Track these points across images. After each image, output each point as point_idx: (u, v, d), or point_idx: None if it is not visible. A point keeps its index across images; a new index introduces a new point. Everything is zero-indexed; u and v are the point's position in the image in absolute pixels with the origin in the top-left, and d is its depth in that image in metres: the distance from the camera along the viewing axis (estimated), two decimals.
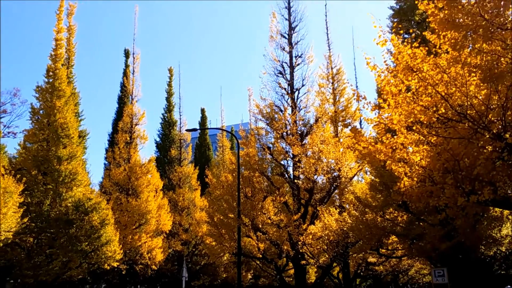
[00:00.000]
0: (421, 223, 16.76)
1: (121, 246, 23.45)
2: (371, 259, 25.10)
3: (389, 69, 9.05)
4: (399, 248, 20.21)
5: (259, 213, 22.08)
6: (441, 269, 16.88)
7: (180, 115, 41.95)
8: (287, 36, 25.67)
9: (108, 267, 22.95)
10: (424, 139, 9.05)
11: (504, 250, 18.10)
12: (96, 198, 22.29)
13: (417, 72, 8.40)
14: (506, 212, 16.50)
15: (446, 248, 16.40)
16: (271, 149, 23.74)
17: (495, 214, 16.99)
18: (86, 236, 21.10)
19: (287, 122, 23.85)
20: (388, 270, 28.25)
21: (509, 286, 13.12)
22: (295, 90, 25.03)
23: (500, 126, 7.97)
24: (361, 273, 28.31)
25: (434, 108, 8.51)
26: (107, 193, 28.71)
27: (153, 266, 29.03)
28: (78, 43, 34.82)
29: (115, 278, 29.30)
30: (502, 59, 7.35)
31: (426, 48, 8.75)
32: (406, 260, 24.97)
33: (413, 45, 8.94)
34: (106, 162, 34.21)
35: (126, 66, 39.50)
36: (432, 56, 8.64)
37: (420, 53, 8.51)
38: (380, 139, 9.87)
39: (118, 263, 23.28)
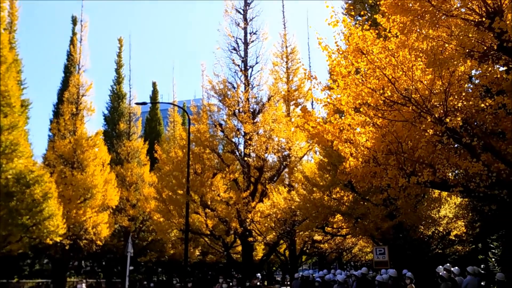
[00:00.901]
0: (365, 203, 17.26)
1: (64, 220, 22.79)
2: (317, 237, 25.78)
3: (340, 50, 9.11)
4: (344, 226, 20.81)
5: (209, 190, 22.07)
6: (382, 247, 17.53)
7: (130, 88, 40.78)
8: (242, 12, 25.40)
9: (51, 242, 22.27)
10: (370, 120, 9.22)
11: (441, 230, 18.97)
12: (38, 171, 21.42)
13: (366, 55, 8.50)
14: (444, 193, 17.24)
15: (387, 227, 17.03)
16: (223, 126, 23.66)
17: (435, 196, 17.75)
18: (28, 209, 20.31)
19: (239, 99, 23.78)
20: (333, 248, 29.15)
21: (440, 267, 13.77)
22: (248, 67, 24.94)
23: (442, 111, 8.22)
24: (307, 251, 29.05)
25: (381, 91, 8.66)
26: (51, 165, 27.69)
27: (98, 242, 28.47)
28: (22, 6, 32.99)
29: (57, 253, 28.54)
30: (447, 45, 7.53)
31: (376, 31, 8.85)
32: (350, 238, 25.83)
33: (364, 27, 9.01)
34: (51, 134, 32.92)
35: (74, 34, 37.69)
36: (381, 39, 8.76)
37: (370, 36, 8.59)
38: (328, 119, 9.98)
39: (61, 238, 22.64)
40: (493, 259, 19.76)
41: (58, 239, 22.14)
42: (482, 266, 17.34)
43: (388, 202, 16.21)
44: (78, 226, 27.05)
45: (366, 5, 20.41)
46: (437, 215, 18.18)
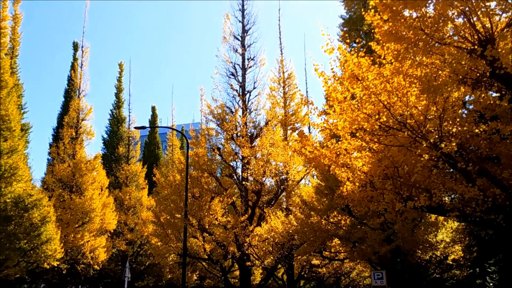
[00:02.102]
0: (362, 227, 17.29)
1: (62, 244, 22.68)
2: (315, 261, 25.63)
3: (335, 77, 9.33)
4: (342, 251, 20.76)
5: (206, 213, 22.06)
6: (380, 272, 17.46)
7: (130, 112, 41.14)
8: (240, 38, 25.82)
9: (48, 266, 22.16)
10: (366, 145, 9.38)
11: (439, 255, 18.96)
12: (37, 195, 21.44)
13: (361, 81, 8.71)
14: (440, 218, 17.30)
15: (385, 252, 17.02)
16: (221, 150, 23.79)
17: (432, 220, 17.81)
18: (25, 233, 20.25)
19: (237, 123, 23.99)
20: (330, 272, 28.93)
21: None
22: (246, 92, 25.22)
23: (436, 136, 8.39)
24: (305, 275, 28.82)
25: (377, 116, 8.85)
26: (50, 189, 27.69)
27: (96, 266, 28.27)
28: (24, 33, 33.49)
29: (55, 278, 28.29)
30: (440, 72, 7.75)
31: (371, 58, 9.09)
32: (348, 262, 25.68)
33: (359, 54, 9.26)
34: (50, 158, 33.05)
35: (75, 59, 38.24)
36: (376, 66, 8.99)
37: (365, 62, 8.83)
38: (325, 144, 10.15)
39: (58, 262, 22.52)
40: (491, 284, 19.73)
41: (55, 263, 22.02)
42: None
43: (386, 226, 16.25)
44: (76, 250, 26.90)
45: (361, 32, 20.87)
46: (434, 240, 18.20)
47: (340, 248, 20.58)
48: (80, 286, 36.44)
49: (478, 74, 7.64)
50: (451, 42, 7.39)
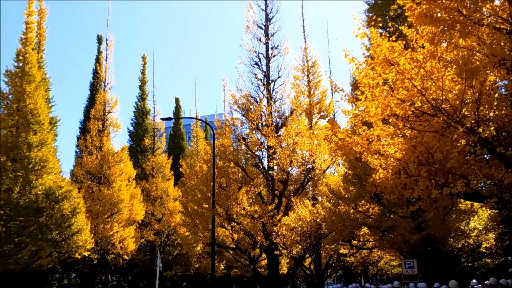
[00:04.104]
0: (392, 215, 17.06)
1: (92, 235, 23.10)
2: (343, 251, 25.51)
3: (367, 62, 9.13)
4: (371, 240, 20.57)
5: (234, 203, 22.11)
6: (411, 260, 17.26)
7: (154, 104, 41.47)
8: (263, 27, 25.62)
9: (79, 257, 22.61)
10: (399, 132, 9.18)
11: (471, 243, 18.61)
12: (67, 186, 21.83)
13: (395, 65, 8.50)
14: (476, 205, 16.93)
15: (416, 240, 16.77)
16: (246, 140, 23.74)
17: (464, 207, 17.44)
18: (57, 224, 20.66)
19: (262, 113, 23.88)
20: (359, 261, 28.80)
21: (474, 281, 13.61)
22: (271, 81, 25.07)
23: (473, 121, 8.14)
24: (333, 264, 28.74)
25: (410, 102, 8.64)
26: (78, 181, 28.17)
27: (125, 256, 28.71)
28: (50, 27, 33.95)
29: (85, 268, 28.85)
30: (479, 54, 7.49)
31: (404, 42, 8.86)
32: (376, 251, 25.48)
33: (390, 39, 9.04)
34: (78, 150, 33.55)
35: (99, 52, 38.65)
36: (409, 50, 8.76)
37: (398, 47, 8.61)
38: (357, 131, 9.97)
39: (89, 253, 22.94)
40: None
41: (86, 253, 22.44)
42: (504, 279, 16.90)
43: (416, 215, 16.00)
44: (105, 241, 27.35)
45: (387, 17, 20.43)
46: (467, 227, 17.85)
47: (369, 237, 20.39)
48: (110, 276, 37.17)
49: None
50: (490, 23, 7.12)
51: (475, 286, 12.96)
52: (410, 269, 17.12)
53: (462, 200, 16.47)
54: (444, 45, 8.02)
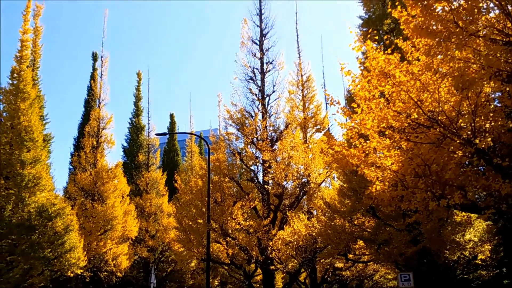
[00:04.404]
0: (387, 228, 17.03)
1: (85, 252, 22.85)
2: (338, 264, 25.35)
3: (363, 75, 9.20)
4: (366, 253, 20.48)
5: (229, 218, 22.00)
6: (407, 273, 17.15)
7: (149, 120, 41.41)
8: (258, 43, 25.80)
9: (72, 275, 22.31)
10: (396, 144, 9.21)
11: (467, 255, 18.57)
12: (60, 204, 21.63)
13: (391, 78, 8.57)
14: (473, 216, 16.96)
15: (412, 253, 16.71)
16: (241, 154, 23.73)
17: (459, 219, 17.44)
18: (49, 242, 20.42)
19: (257, 127, 23.92)
20: (354, 275, 28.57)
21: None
22: (265, 96, 25.16)
23: (469, 132, 8.20)
24: (328, 278, 28.50)
25: (406, 114, 8.69)
26: (72, 198, 27.95)
27: (118, 274, 28.39)
28: (44, 45, 33.99)
29: (78, 286, 28.45)
30: (475, 65, 7.57)
31: (399, 55, 8.95)
32: (372, 265, 25.33)
33: (386, 52, 9.14)
34: (71, 167, 33.39)
35: (94, 69, 38.72)
36: (405, 62, 8.84)
37: (394, 59, 8.69)
38: (353, 143, 10.00)
39: (82, 271, 22.66)
40: None
41: (79, 271, 22.16)
42: None
43: (411, 227, 15.98)
44: (99, 258, 27.06)
45: (381, 32, 20.66)
46: (462, 239, 17.82)
47: (365, 250, 20.31)
48: None
49: None
50: (486, 34, 7.21)
51: None
52: (406, 282, 17.02)
53: (457, 212, 16.52)
54: (440, 57, 8.11)
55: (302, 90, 28.18)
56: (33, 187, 21.03)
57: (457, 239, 17.53)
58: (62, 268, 21.37)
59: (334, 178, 26.92)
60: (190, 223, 23.17)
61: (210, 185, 21.36)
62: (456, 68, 7.63)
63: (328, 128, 28.28)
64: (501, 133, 8.57)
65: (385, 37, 8.74)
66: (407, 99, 8.47)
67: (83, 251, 22.29)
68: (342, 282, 31.58)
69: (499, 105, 9.10)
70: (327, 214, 20.50)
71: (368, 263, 23.75)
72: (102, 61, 32.93)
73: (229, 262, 23.40)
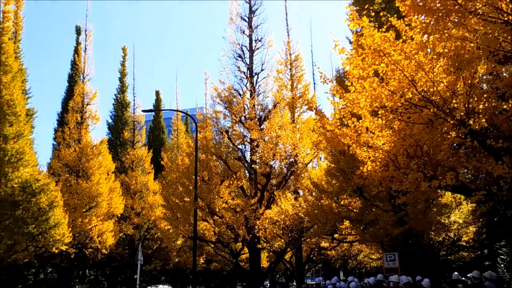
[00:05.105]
0: (374, 209, 17.10)
1: (70, 229, 22.63)
2: (324, 244, 25.56)
3: (358, 52, 9.01)
4: (353, 233, 20.61)
5: (216, 197, 21.92)
6: (393, 253, 17.32)
7: (134, 97, 40.88)
8: (247, 19, 25.41)
9: (56, 251, 22.12)
10: (388, 123, 9.10)
11: (452, 236, 18.80)
12: (44, 179, 21.29)
13: (386, 56, 8.40)
14: (459, 198, 17.10)
15: (398, 234, 16.84)
16: (229, 133, 23.55)
17: (445, 201, 17.60)
18: (33, 218, 20.16)
19: (245, 106, 23.71)
20: (339, 254, 28.91)
21: (456, 273, 13.77)
22: (254, 74, 24.90)
23: (463, 113, 8.12)
24: (313, 258, 28.80)
25: (401, 93, 8.56)
26: (56, 174, 27.58)
27: (104, 250, 28.30)
28: (26, 17, 33.04)
29: (63, 262, 28.34)
30: (472, 44, 7.44)
31: (395, 33, 8.77)
32: (356, 245, 25.60)
33: (381, 29, 8.94)
34: (55, 143, 32.90)
35: (78, 43, 37.82)
36: (400, 40, 8.67)
37: (390, 37, 8.52)
38: (345, 122, 9.87)
39: (66, 247, 22.47)
40: (502, 265, 19.60)
41: (63, 247, 21.99)
42: (489, 272, 17.15)
43: (398, 208, 16.07)
44: (84, 235, 26.89)
45: (371, 10, 20.39)
46: (447, 221, 18.01)
47: (351, 231, 20.43)
48: (87, 270, 36.61)
49: (510, 48, 7.31)
50: (485, 12, 7.05)
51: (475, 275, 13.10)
52: (392, 262, 17.19)
53: (443, 193, 16.64)
54: (436, 35, 7.94)
55: (290, 69, 27.90)
56: (16, 162, 20.63)
57: (443, 221, 17.69)
58: (46, 244, 21.17)
59: (321, 158, 26.92)
60: (177, 201, 23.05)
61: (197, 163, 21.20)
62: (452, 48, 7.48)
63: (316, 108, 28.14)
64: (493, 115, 8.49)
65: (381, 13, 8.53)
66: (402, 78, 8.32)
67: (68, 228, 22.08)
68: (326, 262, 31.98)
69: (492, 86, 9.00)
70: (314, 194, 20.52)
71: (353, 243, 23.95)
72: (86, 35, 32.22)
73: (215, 240, 23.42)
